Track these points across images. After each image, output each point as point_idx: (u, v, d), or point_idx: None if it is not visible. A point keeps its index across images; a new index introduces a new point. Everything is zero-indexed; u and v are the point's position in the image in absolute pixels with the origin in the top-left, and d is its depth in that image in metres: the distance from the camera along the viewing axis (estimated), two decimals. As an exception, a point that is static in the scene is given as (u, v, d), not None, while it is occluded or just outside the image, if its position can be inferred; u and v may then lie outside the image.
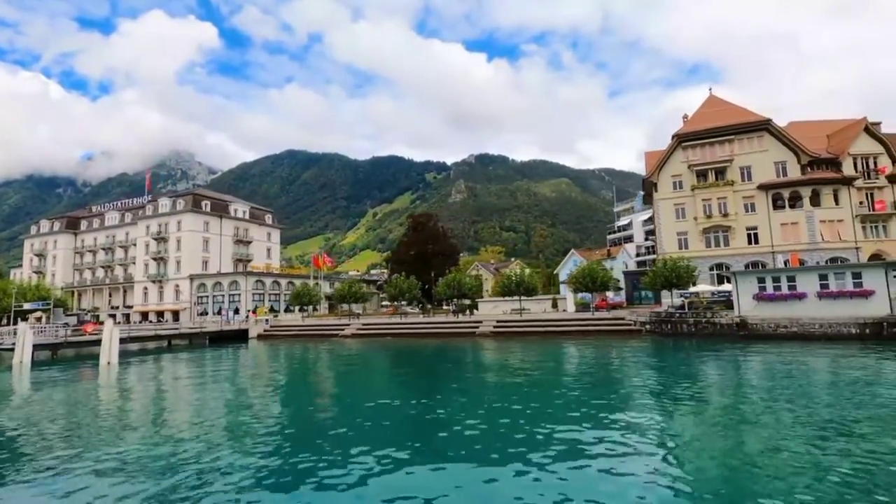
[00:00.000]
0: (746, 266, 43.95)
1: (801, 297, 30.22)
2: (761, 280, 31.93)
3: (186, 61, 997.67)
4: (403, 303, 67.34)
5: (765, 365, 21.30)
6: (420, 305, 62.55)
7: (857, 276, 29.01)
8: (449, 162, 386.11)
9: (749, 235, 45.52)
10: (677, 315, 35.09)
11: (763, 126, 45.32)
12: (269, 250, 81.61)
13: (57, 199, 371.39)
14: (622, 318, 39.42)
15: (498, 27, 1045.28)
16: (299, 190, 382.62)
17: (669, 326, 34.87)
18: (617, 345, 31.08)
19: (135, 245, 72.13)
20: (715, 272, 46.05)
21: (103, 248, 76.50)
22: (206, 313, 63.97)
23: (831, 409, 12.60)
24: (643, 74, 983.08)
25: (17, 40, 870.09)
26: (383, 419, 13.66)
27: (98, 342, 28.85)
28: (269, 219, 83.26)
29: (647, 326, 36.25)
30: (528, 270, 55.86)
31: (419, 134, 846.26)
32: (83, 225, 79.80)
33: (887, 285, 27.92)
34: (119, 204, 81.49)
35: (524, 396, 16.67)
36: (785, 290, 30.84)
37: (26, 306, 47.03)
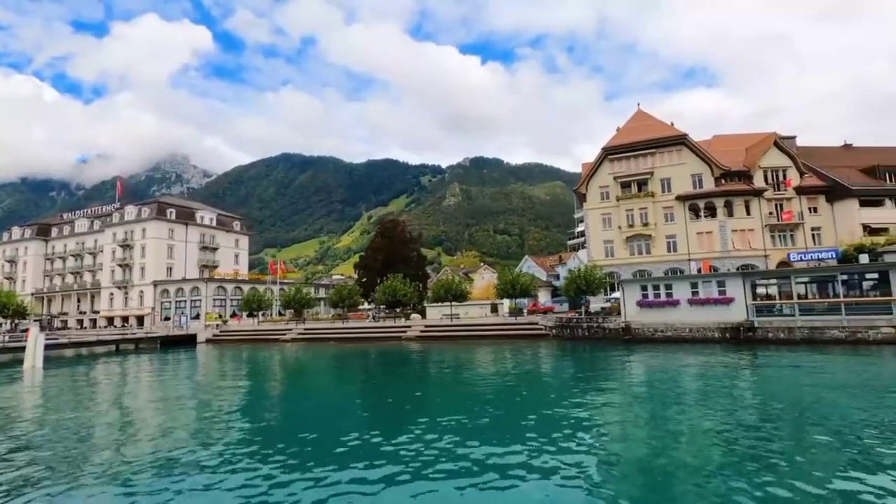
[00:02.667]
0: (665, 272, 46.86)
1: (676, 303, 33.27)
2: (644, 288, 35.00)
3: (181, 64, 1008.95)
4: (370, 307, 70.58)
5: (641, 366, 24.11)
6: (369, 310, 65.72)
7: (721, 284, 32.03)
8: (444, 165, 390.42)
9: (668, 244, 48.54)
10: (574, 321, 38.20)
11: (680, 140, 48.39)
12: (237, 256, 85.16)
13: (50, 202, 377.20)
14: (536, 323, 42.51)
15: (494, 31, 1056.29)
16: (295, 193, 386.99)
17: (569, 331, 37.99)
18: (525, 348, 34.10)
19: (102, 252, 75.88)
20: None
21: (73, 255, 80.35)
22: (169, 318, 67.40)
23: (694, 404, 14.86)
24: (640, 78, 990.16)
25: (11, 43, 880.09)
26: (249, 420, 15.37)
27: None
28: (237, 226, 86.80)
29: (553, 331, 39.38)
30: (456, 278, 58.84)
31: (414, 137, 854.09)
32: (54, 232, 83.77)
33: (745, 293, 30.95)
34: (88, 211, 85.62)
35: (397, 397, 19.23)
36: (663, 298, 33.90)
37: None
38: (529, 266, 73.86)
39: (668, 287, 33.93)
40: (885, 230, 42.97)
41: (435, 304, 61.67)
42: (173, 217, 74.49)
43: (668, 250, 48.39)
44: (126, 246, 72.61)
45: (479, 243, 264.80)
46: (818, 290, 29.57)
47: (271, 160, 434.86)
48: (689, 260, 47.09)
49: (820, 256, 34.55)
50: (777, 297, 30.78)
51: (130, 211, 74.20)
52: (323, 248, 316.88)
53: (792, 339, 28.60)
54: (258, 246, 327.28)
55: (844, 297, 28.13)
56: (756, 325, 29.96)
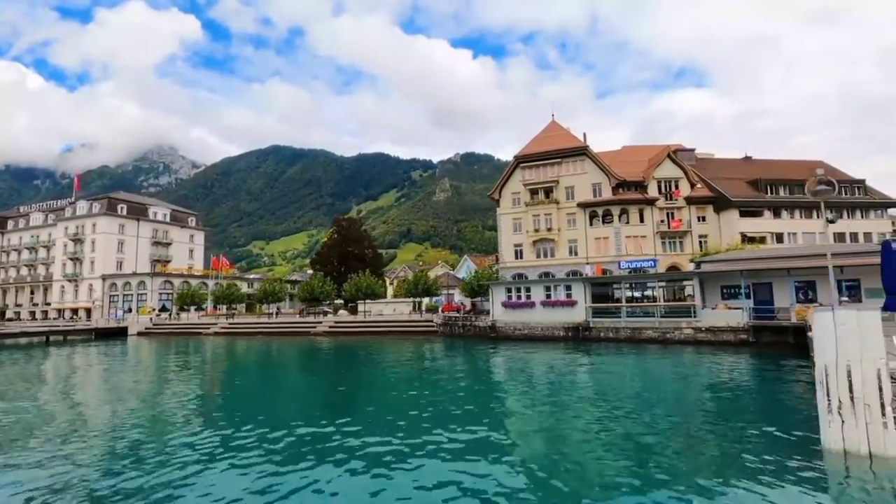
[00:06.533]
0: (567, 274, 51.09)
1: (532, 305, 37.52)
2: (508, 290, 39.28)
3: (168, 53, 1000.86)
4: (326, 303, 75.22)
5: (496, 360, 28.13)
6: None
7: (568, 288, 36.30)
8: (435, 160, 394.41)
9: (570, 247, 52.86)
10: (453, 319, 42.58)
11: (582, 151, 52.62)
12: (191, 252, 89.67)
13: (34, 191, 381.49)
14: (430, 321, 46.92)
15: (485, 26, 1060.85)
16: (284, 186, 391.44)
17: (449, 328, 42.38)
18: (414, 342, 38.32)
19: (55, 245, 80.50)
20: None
21: (27, 248, 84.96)
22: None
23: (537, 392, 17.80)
24: (630, 76, 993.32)
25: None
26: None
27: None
28: (192, 221, 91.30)
29: (441, 328, 43.77)
30: (367, 278, 63.06)
31: (405, 131, 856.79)
32: (9, 224, 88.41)
33: (585, 296, 35.23)
34: (43, 205, 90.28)
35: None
36: (523, 299, 38.18)
37: None
38: (469, 266, 78.24)
39: (528, 290, 38.19)
40: (762, 239, 47.27)
41: (371, 301, 66.27)
42: (124, 212, 78.93)
43: (570, 254, 52.70)
44: (77, 240, 77.15)
45: (468, 239, 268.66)
46: (642, 294, 33.86)
47: (261, 152, 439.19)
48: (587, 263, 51.40)
49: (641, 265, 38.79)
50: (613, 301, 35.02)
51: (82, 206, 78.68)
52: (311, 242, 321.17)
53: (618, 337, 32.86)
54: (247, 238, 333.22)
55: (663, 301, 32.44)
56: (591, 325, 34.26)
